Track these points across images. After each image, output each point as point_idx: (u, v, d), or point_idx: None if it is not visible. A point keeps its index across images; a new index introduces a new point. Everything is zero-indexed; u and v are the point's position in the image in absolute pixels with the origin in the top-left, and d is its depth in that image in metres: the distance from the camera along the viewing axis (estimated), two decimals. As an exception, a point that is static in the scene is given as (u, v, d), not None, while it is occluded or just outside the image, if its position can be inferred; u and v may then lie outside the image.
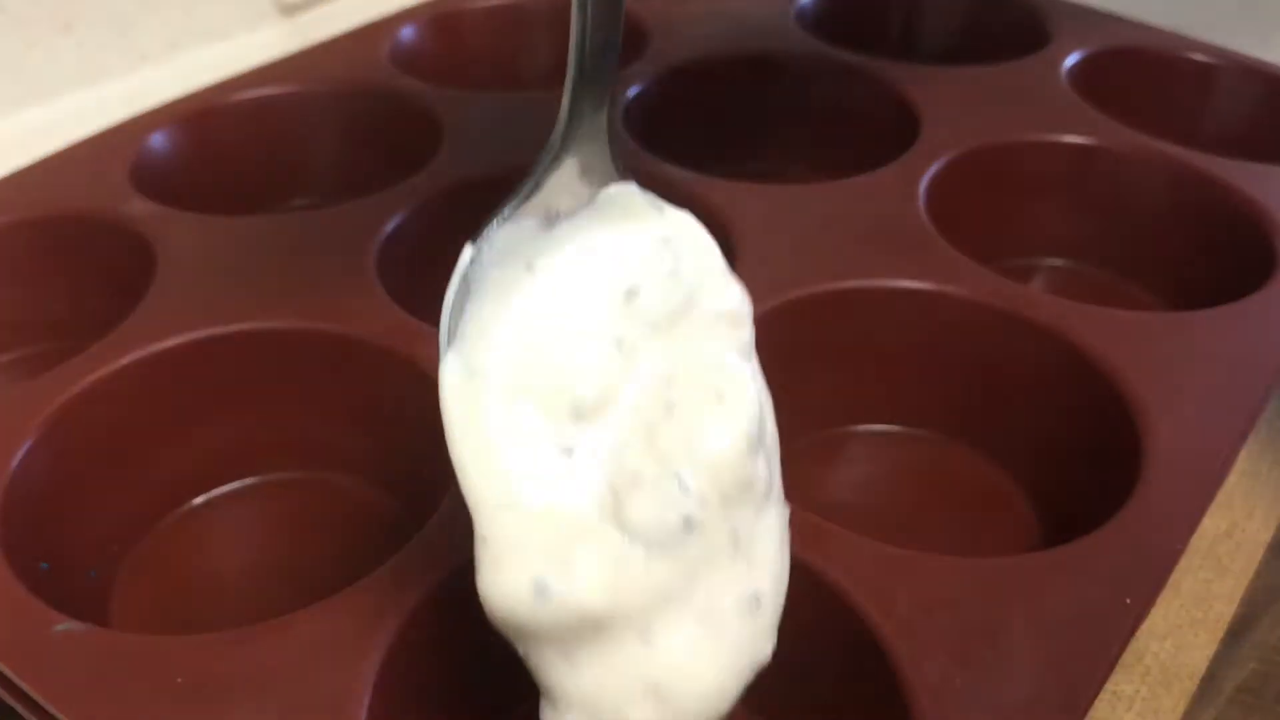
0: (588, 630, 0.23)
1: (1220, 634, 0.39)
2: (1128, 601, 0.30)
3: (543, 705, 0.24)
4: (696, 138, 0.56)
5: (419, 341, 0.38)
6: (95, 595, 0.36)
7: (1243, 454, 0.37)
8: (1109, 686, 0.36)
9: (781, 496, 0.27)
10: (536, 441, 0.24)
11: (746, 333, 0.27)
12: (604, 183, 0.28)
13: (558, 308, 0.25)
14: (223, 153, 0.52)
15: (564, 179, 0.28)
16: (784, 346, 0.41)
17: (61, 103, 0.60)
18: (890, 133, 0.51)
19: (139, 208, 0.44)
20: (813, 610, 0.31)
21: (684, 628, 0.24)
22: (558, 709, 0.24)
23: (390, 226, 0.43)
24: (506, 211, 0.28)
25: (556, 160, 0.28)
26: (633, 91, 0.53)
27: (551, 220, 0.27)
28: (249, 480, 0.41)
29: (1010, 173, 0.50)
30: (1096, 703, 0.28)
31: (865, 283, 0.41)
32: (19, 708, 0.28)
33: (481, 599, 0.23)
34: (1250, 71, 0.56)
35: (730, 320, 0.26)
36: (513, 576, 0.23)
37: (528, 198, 0.28)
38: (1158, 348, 0.38)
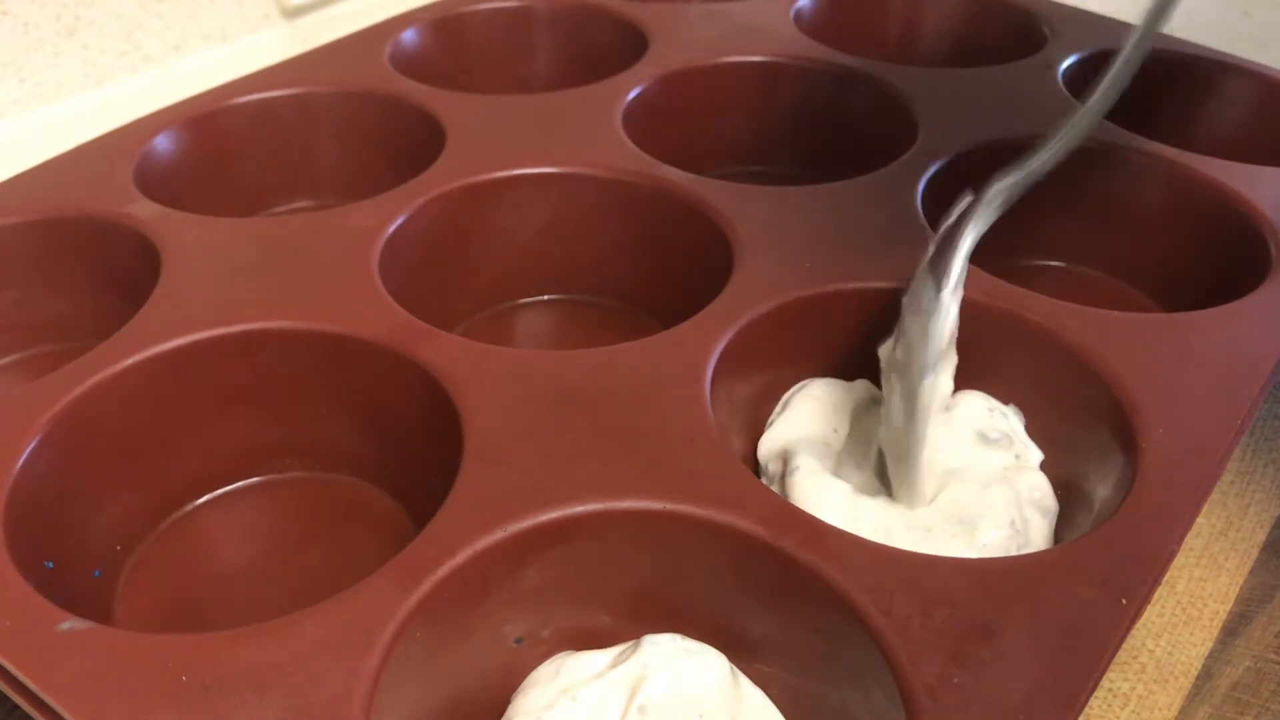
0: None
1: (1215, 632, 0.39)
2: (1123, 602, 0.30)
3: None
4: (697, 140, 0.57)
5: (420, 342, 0.38)
6: (100, 594, 0.36)
7: (1237, 453, 0.37)
8: (1105, 684, 0.37)
9: None
10: None
11: None
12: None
13: None
14: (226, 154, 0.52)
15: None
16: (783, 346, 0.41)
17: (66, 105, 0.60)
18: (888, 135, 0.52)
19: (143, 209, 0.44)
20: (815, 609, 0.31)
21: None
22: None
23: (392, 228, 0.44)
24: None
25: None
26: (633, 93, 0.53)
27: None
28: (251, 480, 0.41)
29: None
30: (1092, 700, 0.28)
31: (864, 284, 0.41)
32: (24, 705, 0.28)
33: None
34: (1245, 74, 0.56)
35: None
36: None
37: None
38: (1152, 348, 0.39)
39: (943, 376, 0.36)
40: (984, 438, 0.38)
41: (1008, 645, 0.29)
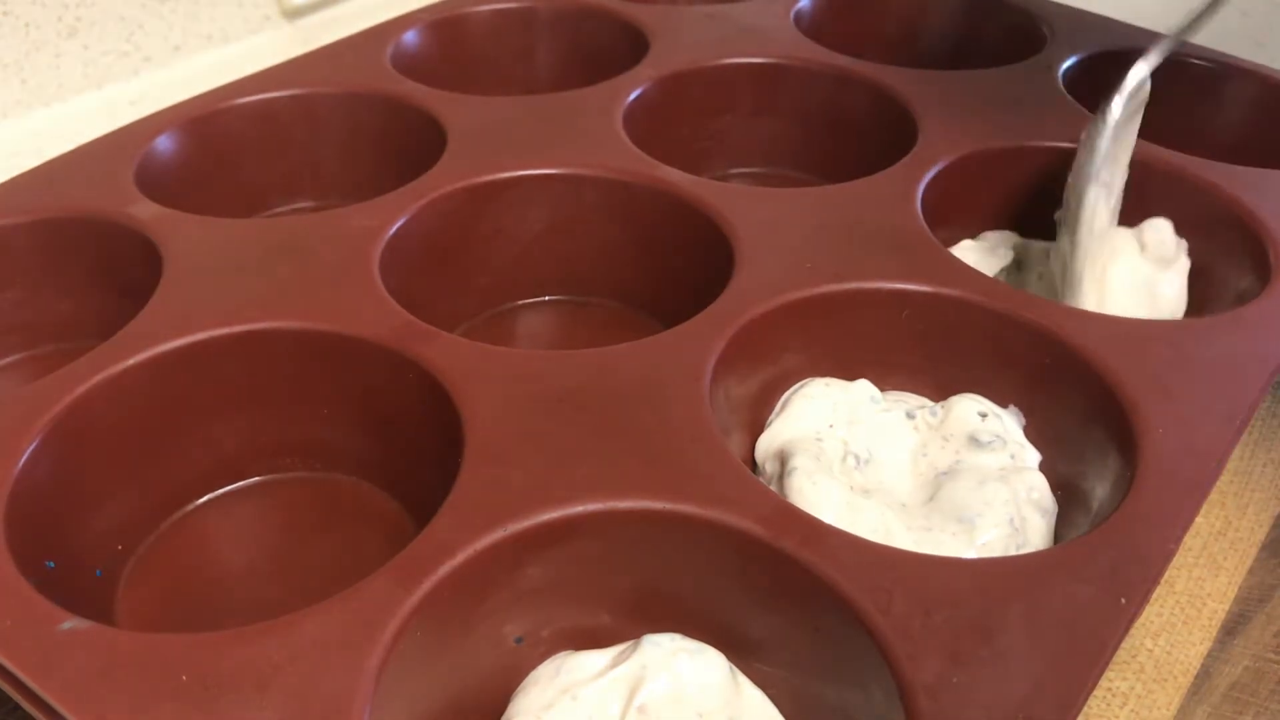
0: None
1: (1214, 632, 0.39)
2: (1122, 601, 0.30)
3: None
4: (697, 140, 0.57)
5: (420, 342, 0.38)
6: (101, 594, 0.36)
7: (1236, 453, 0.37)
8: (1104, 683, 0.37)
9: None
10: None
11: None
12: None
13: None
14: (227, 155, 0.52)
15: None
16: (783, 347, 0.41)
17: (67, 105, 0.60)
18: (888, 136, 0.52)
19: (144, 209, 0.44)
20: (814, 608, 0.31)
21: None
22: None
23: (393, 229, 0.44)
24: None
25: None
26: (634, 94, 0.53)
27: None
28: (251, 480, 0.41)
29: (1007, 176, 0.50)
30: (1091, 699, 0.29)
31: (863, 285, 0.41)
32: (26, 704, 0.28)
33: None
34: (1244, 76, 0.57)
35: None
36: None
37: None
38: (1152, 350, 0.39)
39: (1103, 196, 0.42)
40: (976, 441, 0.38)
41: (1007, 645, 0.29)
